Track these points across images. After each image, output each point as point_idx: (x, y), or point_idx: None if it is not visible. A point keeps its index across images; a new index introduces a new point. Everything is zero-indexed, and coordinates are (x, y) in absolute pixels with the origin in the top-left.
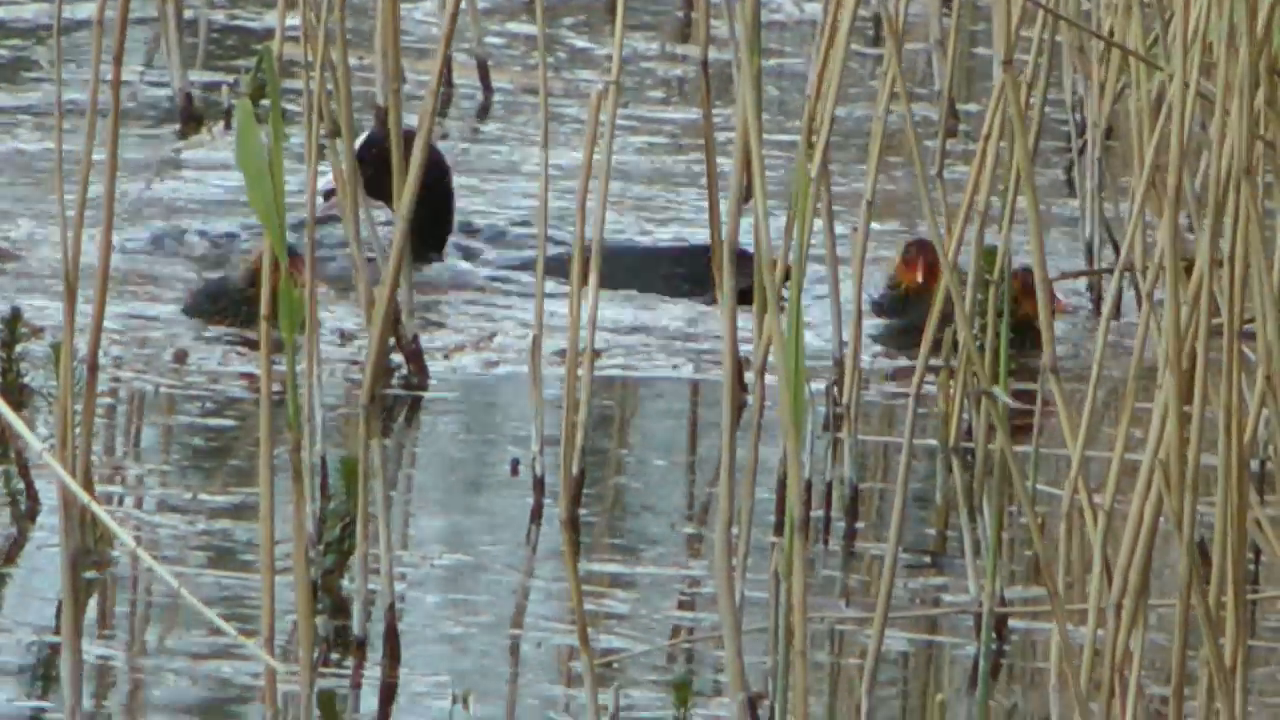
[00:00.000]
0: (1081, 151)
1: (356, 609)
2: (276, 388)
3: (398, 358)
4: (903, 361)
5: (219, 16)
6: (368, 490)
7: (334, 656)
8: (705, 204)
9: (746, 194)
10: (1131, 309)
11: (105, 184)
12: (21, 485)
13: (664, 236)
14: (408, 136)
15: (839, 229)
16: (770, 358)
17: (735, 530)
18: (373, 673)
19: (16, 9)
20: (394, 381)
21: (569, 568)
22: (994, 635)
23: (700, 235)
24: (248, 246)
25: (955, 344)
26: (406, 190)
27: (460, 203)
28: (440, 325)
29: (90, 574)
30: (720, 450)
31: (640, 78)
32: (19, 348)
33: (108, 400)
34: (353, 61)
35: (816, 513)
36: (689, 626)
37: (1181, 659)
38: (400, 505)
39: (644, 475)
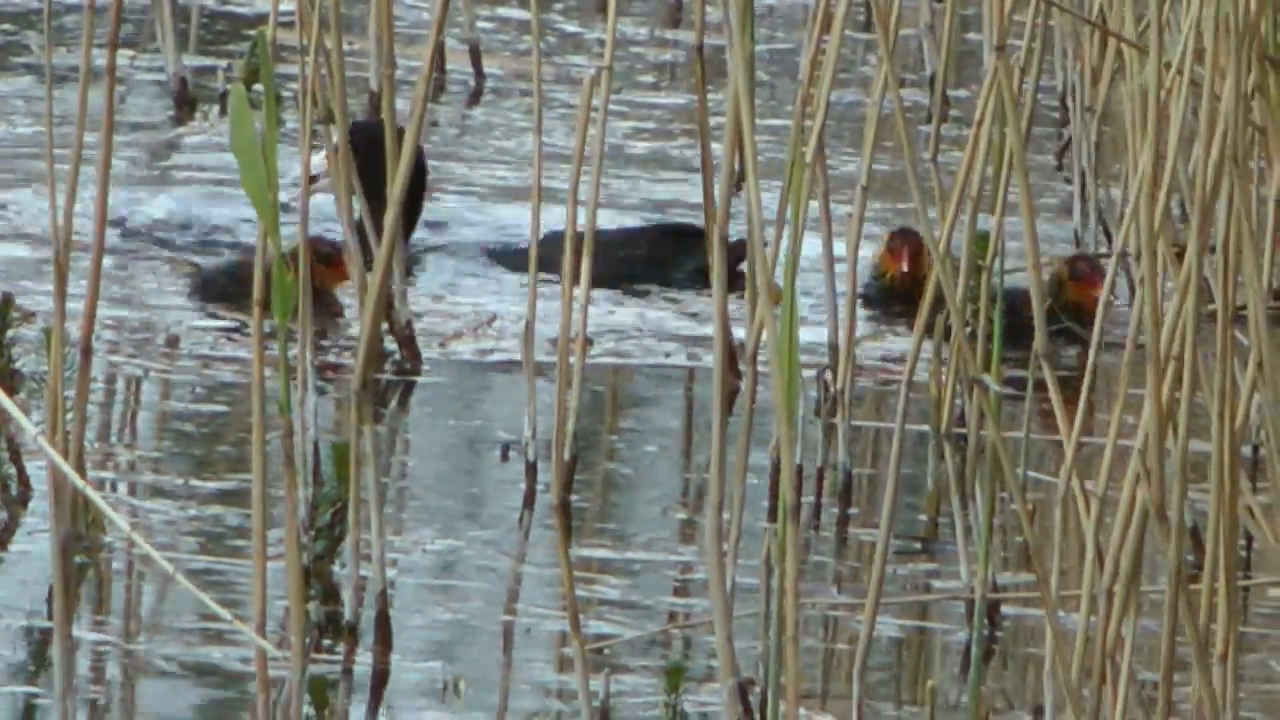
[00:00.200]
0: (1065, 143)
1: (348, 594)
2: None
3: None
4: (895, 345)
5: (210, 2)
6: (360, 476)
7: (326, 642)
8: (688, 188)
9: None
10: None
11: (99, 170)
12: (13, 470)
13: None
14: (373, 127)
15: (835, 211)
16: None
17: (727, 516)
18: (364, 658)
19: None
20: (387, 367)
21: (561, 553)
22: (986, 621)
23: (657, 217)
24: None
25: (947, 330)
26: (399, 176)
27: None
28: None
29: (82, 559)
30: (712, 436)
31: (630, 63)
32: (10, 333)
33: (100, 385)
34: (344, 47)
35: (808, 498)
36: (681, 612)
37: (1171, 645)
38: (393, 491)
39: (636, 461)
